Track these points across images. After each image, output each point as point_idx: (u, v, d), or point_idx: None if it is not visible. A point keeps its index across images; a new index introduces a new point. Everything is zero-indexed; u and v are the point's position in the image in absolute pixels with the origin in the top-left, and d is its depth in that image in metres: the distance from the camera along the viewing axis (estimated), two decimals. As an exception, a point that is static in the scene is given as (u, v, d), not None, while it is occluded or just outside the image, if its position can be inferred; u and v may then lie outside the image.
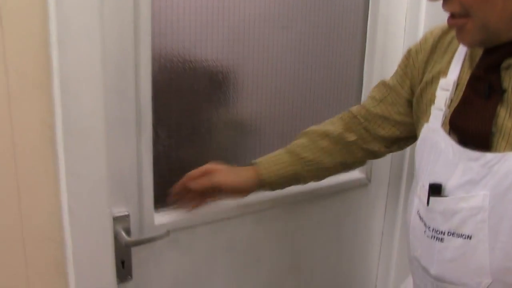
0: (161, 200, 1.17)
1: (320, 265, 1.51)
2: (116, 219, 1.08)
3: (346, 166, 1.21)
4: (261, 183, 1.13)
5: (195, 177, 1.11)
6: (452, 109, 0.92)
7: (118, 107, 1.02)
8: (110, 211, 0.99)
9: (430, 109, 0.98)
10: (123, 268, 1.12)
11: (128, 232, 1.10)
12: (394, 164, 1.52)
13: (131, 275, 1.14)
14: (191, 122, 1.17)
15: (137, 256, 1.14)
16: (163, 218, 1.16)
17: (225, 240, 1.27)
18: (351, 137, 1.17)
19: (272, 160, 1.14)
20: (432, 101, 0.98)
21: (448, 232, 0.89)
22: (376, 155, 1.21)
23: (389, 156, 1.41)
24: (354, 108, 1.20)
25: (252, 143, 1.30)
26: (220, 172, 1.11)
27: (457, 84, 0.94)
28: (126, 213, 1.09)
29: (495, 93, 0.85)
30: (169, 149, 1.15)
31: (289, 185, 1.19)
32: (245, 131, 1.28)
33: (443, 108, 0.94)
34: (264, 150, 1.27)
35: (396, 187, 1.54)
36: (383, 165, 1.51)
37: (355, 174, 1.50)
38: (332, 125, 1.19)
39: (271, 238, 1.37)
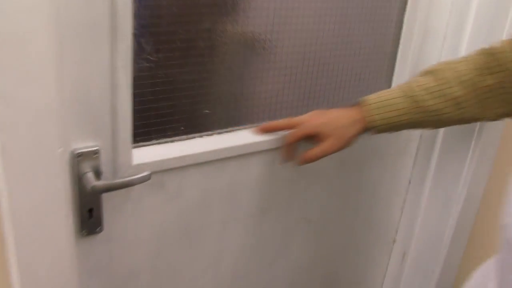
0: (142, 132, 0.90)
1: (333, 217, 1.27)
2: (82, 156, 0.81)
3: (479, 120, 1.01)
4: (370, 129, 0.98)
5: (298, 138, 0.98)
6: None
7: (83, 3, 0.73)
8: (61, 146, 0.72)
9: None
10: (91, 218, 0.87)
11: (97, 173, 0.84)
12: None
13: (101, 226, 0.89)
14: (186, 31, 0.88)
15: (110, 202, 0.89)
16: (144, 155, 0.90)
17: (223, 185, 1.02)
18: (491, 81, 0.93)
19: (388, 104, 0.96)
20: None
21: None
22: None
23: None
24: (497, 44, 0.95)
25: (266, 64, 1.01)
26: (329, 135, 0.96)
27: None
28: (95, 148, 0.82)
29: None
30: (156, 67, 0.87)
31: (401, 130, 1.00)
32: (257, 48, 0.99)
33: None
34: (279, 74, 0.99)
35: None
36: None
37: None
38: (467, 64, 0.95)
39: (280, 184, 1.11)
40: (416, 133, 1.30)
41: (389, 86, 1.23)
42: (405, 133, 1.27)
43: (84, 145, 0.82)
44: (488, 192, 1.31)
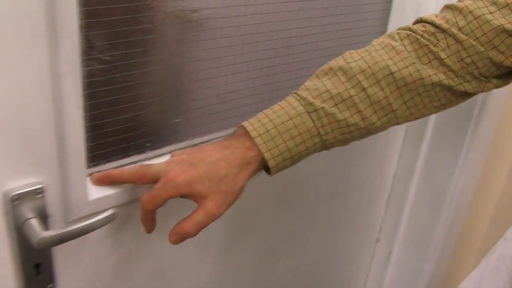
0: (97, 156, 0.69)
1: (319, 224, 1.10)
2: (20, 200, 0.59)
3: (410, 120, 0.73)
4: (266, 169, 0.68)
5: (158, 205, 0.64)
6: None
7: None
8: None
9: None
10: (38, 275, 0.65)
11: (43, 217, 0.62)
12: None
13: (53, 283, 0.68)
14: (150, 18, 0.67)
15: (63, 250, 0.67)
16: (102, 186, 0.68)
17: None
18: (432, 73, 0.69)
19: (285, 128, 0.65)
20: None
21: None
22: (470, 96, 0.73)
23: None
24: (433, 17, 0.70)
25: (241, 56, 0.81)
26: (209, 194, 0.63)
27: None
28: (38, 186, 0.60)
29: None
30: (111, 69, 0.65)
31: (304, 158, 0.70)
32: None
33: None
34: (261, 66, 0.80)
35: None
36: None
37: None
38: (386, 52, 0.69)
39: (264, 199, 0.93)
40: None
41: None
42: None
43: (22, 183, 0.59)
44: (480, 186, 1.20)
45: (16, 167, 0.58)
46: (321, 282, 1.24)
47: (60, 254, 0.67)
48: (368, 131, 0.69)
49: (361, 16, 0.96)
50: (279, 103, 0.68)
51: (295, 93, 0.68)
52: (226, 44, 0.76)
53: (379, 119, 0.68)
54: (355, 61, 0.68)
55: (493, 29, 0.67)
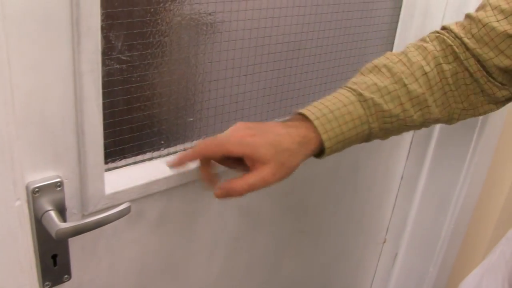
0: (114, 152, 0.71)
1: (327, 223, 1.12)
2: (40, 192, 0.61)
3: (440, 121, 0.80)
4: (321, 151, 0.72)
5: (213, 156, 0.69)
6: None
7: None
8: (19, 198, 0.53)
9: None
10: (55, 266, 0.68)
11: (61, 210, 0.64)
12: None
13: (69, 274, 0.70)
14: (166, 20, 0.69)
15: (79, 243, 0.70)
16: (118, 180, 0.71)
17: (211, 205, 0.85)
18: (452, 66, 0.76)
19: (340, 114, 0.70)
20: None
21: None
22: (495, 100, 0.79)
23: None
24: (453, 25, 0.78)
25: (259, 57, 0.84)
26: (267, 160, 0.66)
27: None
28: (57, 179, 0.63)
29: None
30: (129, 68, 0.68)
31: (352, 145, 0.76)
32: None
33: None
34: (274, 68, 0.83)
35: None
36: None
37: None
38: (420, 54, 0.76)
39: (273, 197, 0.95)
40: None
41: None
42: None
43: (42, 176, 0.62)
44: (485, 189, 1.21)
45: (37, 160, 0.60)
46: (329, 282, 1.26)
47: (76, 246, 0.70)
48: (406, 123, 0.75)
49: (370, 21, 0.99)
50: (331, 94, 0.74)
51: (346, 87, 0.74)
52: (239, 47, 0.79)
53: (415, 112, 0.74)
54: (396, 62, 0.75)
55: (498, 35, 0.72)
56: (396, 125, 0.74)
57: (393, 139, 1.14)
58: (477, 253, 1.30)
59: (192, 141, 0.80)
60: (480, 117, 1.08)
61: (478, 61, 0.74)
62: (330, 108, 0.70)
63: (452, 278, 1.33)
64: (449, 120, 0.79)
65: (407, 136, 1.19)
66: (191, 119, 0.78)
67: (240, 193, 0.65)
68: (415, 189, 1.24)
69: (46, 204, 0.63)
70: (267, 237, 0.98)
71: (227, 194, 0.66)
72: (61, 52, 0.57)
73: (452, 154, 1.15)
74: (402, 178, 1.25)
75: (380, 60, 0.76)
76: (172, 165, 0.71)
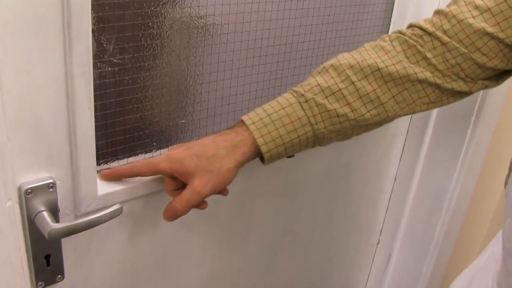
0: (106, 153, 0.72)
1: (320, 225, 1.13)
2: (32, 193, 0.62)
3: (401, 116, 0.77)
4: (260, 154, 0.71)
5: (171, 190, 0.71)
6: None
7: (26, -7, 0.54)
8: (10, 199, 0.54)
9: None
10: (48, 266, 0.69)
11: (54, 211, 0.65)
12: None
13: (62, 274, 0.71)
14: (158, 22, 0.70)
15: (71, 243, 0.71)
16: (111, 183, 0.72)
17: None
18: (419, 71, 0.73)
19: (278, 116, 0.70)
20: None
21: None
22: (461, 95, 0.77)
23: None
24: (421, 22, 0.75)
25: (247, 60, 0.85)
26: (194, 172, 0.67)
27: None
28: (49, 180, 0.64)
29: None
30: (121, 71, 0.69)
31: (301, 150, 0.74)
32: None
33: None
34: (263, 71, 0.83)
35: (420, 119, 1.16)
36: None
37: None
38: (375, 51, 0.74)
39: (264, 198, 0.96)
40: (404, 125, 1.18)
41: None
42: (393, 126, 1.15)
43: (35, 177, 0.63)
44: (478, 189, 1.22)
45: (30, 162, 0.61)
46: (322, 283, 1.27)
47: (69, 247, 0.71)
48: (358, 123, 0.72)
49: (362, 24, 1.00)
50: (276, 98, 0.73)
51: (290, 89, 0.73)
52: (230, 49, 0.80)
53: (368, 111, 0.72)
54: (345, 59, 0.73)
55: (475, 32, 0.70)
56: (347, 125, 0.72)
57: (386, 140, 1.16)
58: (470, 253, 1.31)
59: (184, 142, 0.81)
60: (473, 118, 1.09)
61: (446, 59, 0.72)
62: (268, 112, 0.70)
63: (445, 278, 1.34)
64: (413, 113, 0.77)
65: (400, 137, 1.20)
66: (183, 121, 0.79)
67: (182, 211, 0.67)
68: (409, 190, 1.25)
69: (39, 205, 0.64)
70: (259, 238, 0.99)
71: (174, 215, 0.68)
72: (53, 55, 0.58)
73: (445, 155, 1.16)
74: (395, 179, 1.26)
75: (329, 61, 0.74)
76: (106, 178, 0.71)
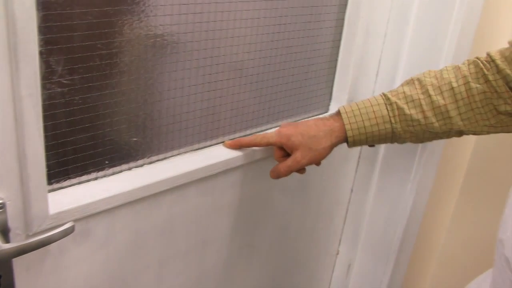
0: (57, 173, 0.73)
1: (277, 238, 1.15)
2: (-19, 214, 0.63)
3: (465, 133, 0.90)
4: (346, 140, 0.90)
5: (279, 157, 0.92)
6: None
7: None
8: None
9: None
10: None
11: (4, 231, 0.66)
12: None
13: (13, 294, 0.71)
14: (106, 44, 0.72)
15: (23, 262, 0.71)
16: (62, 200, 0.73)
17: (159, 222, 0.87)
18: (480, 86, 0.85)
19: (365, 111, 0.88)
20: None
21: None
22: None
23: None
24: (494, 51, 0.86)
25: (198, 78, 0.87)
26: (297, 147, 0.88)
27: None
28: (-1, 201, 0.64)
29: None
30: (70, 91, 0.70)
31: (379, 143, 0.94)
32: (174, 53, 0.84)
33: None
34: (214, 88, 0.86)
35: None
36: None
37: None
38: (453, 72, 0.88)
39: (221, 212, 0.98)
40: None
41: (330, 92, 1.14)
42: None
43: (-17, 198, 0.63)
44: (432, 198, 1.26)
45: (-22, 183, 0.62)
46: (283, 294, 1.28)
47: (21, 267, 0.71)
48: (428, 128, 0.87)
49: (313, 40, 1.03)
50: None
51: (381, 93, 0.90)
52: (181, 68, 0.82)
53: (437, 121, 0.87)
54: (430, 77, 0.88)
55: None
56: (418, 129, 0.87)
57: (342, 153, 1.19)
58: (429, 259, 1.35)
59: (137, 160, 0.82)
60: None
61: (507, 82, 0.82)
62: (359, 106, 0.88)
63: (404, 285, 1.37)
64: (476, 134, 0.89)
65: (355, 149, 1.23)
66: (135, 139, 0.81)
67: (284, 174, 0.88)
68: (365, 201, 1.28)
69: (-12, 226, 0.64)
70: (217, 252, 1.01)
71: (277, 175, 0.89)
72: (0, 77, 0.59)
73: (400, 165, 1.20)
74: (352, 190, 1.30)
75: (417, 75, 0.90)
76: (228, 146, 0.93)
